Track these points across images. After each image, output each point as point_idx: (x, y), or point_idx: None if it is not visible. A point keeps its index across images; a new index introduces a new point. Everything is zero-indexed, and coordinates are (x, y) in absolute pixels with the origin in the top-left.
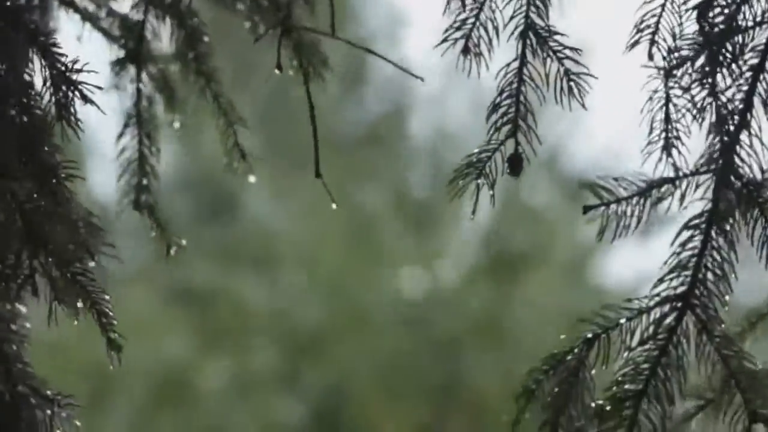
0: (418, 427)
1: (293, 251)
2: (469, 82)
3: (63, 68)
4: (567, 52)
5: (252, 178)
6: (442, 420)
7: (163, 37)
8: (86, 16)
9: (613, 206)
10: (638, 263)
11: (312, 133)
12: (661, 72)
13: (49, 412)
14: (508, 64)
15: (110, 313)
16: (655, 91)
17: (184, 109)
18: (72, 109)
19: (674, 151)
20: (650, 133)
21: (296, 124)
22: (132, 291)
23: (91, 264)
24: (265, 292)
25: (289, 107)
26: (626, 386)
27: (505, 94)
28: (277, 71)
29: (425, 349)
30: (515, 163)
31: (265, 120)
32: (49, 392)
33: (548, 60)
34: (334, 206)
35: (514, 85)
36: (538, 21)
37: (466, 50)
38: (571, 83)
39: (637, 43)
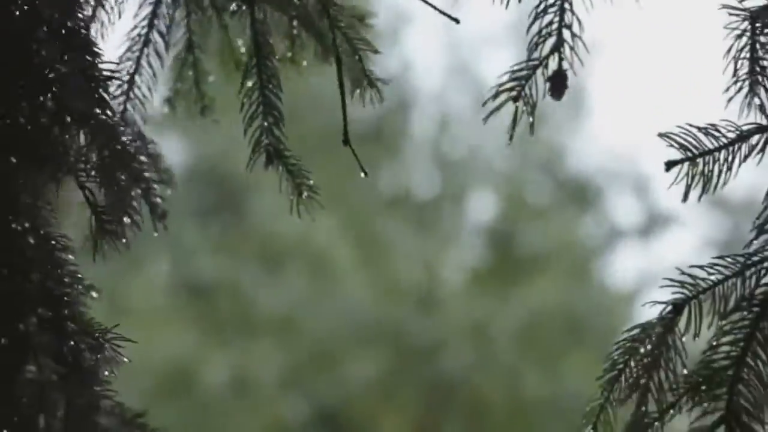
0: (418, 426)
1: (297, 247)
2: (471, 80)
3: None
4: None
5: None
6: (442, 420)
7: None
8: None
9: (698, 160)
10: (640, 263)
11: (341, 101)
12: (748, 12)
13: (95, 349)
14: None
15: None
16: (741, 31)
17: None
18: None
19: (762, 92)
20: (734, 74)
21: (299, 120)
22: (136, 284)
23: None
24: (269, 287)
25: (292, 104)
26: (722, 354)
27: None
28: None
29: (425, 348)
30: (559, 82)
31: None
32: (96, 332)
33: None
34: (363, 175)
35: None
36: None
37: None
38: None
39: None
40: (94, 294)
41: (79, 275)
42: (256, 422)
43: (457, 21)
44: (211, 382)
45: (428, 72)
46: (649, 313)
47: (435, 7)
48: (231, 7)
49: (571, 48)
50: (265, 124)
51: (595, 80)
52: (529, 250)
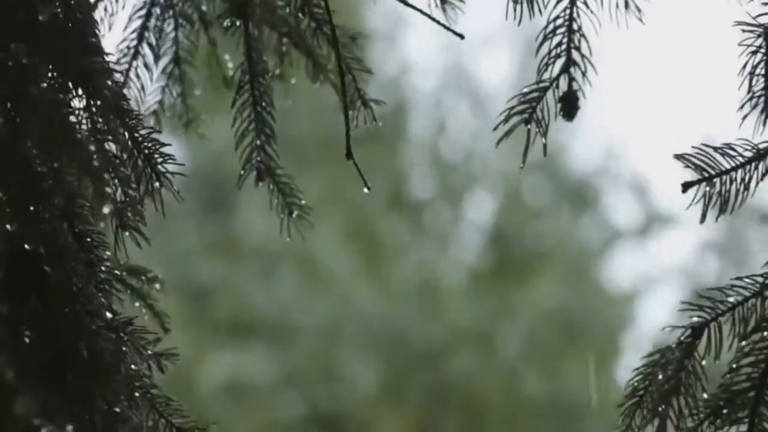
0: (417, 428)
1: (294, 249)
2: (469, 81)
3: None
4: None
5: (380, 123)
6: (441, 421)
7: None
8: None
9: (715, 180)
10: (639, 263)
11: (343, 114)
12: (763, 27)
13: (115, 341)
14: None
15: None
16: (756, 48)
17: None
18: None
19: None
20: (749, 90)
21: (295, 124)
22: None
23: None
24: (266, 289)
25: (288, 107)
26: (743, 377)
27: (558, 21)
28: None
29: (424, 348)
30: (570, 103)
31: None
32: (115, 323)
33: None
34: (366, 190)
35: (568, 11)
36: None
37: None
38: None
39: None
40: (157, 286)
41: (116, 271)
42: (253, 425)
43: (461, 36)
44: (208, 384)
45: (426, 73)
46: (647, 314)
47: (439, 22)
48: (225, 23)
49: (581, 69)
50: (257, 142)
51: (595, 80)
52: (528, 250)
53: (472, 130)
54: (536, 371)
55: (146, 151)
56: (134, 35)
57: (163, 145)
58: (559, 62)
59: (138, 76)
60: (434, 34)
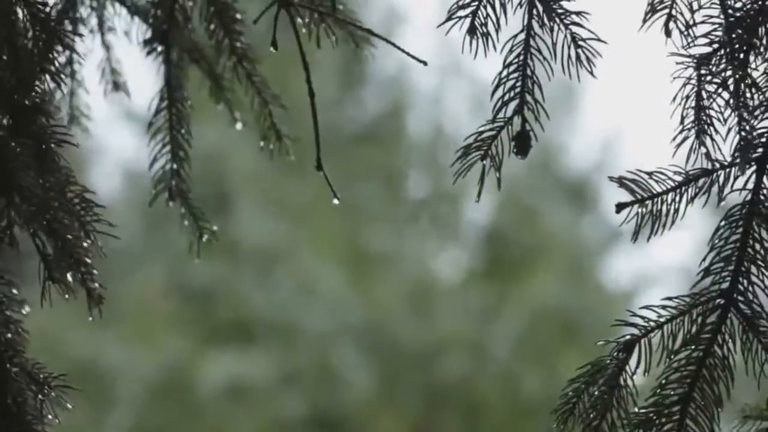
0: (415, 428)
1: (292, 250)
2: (467, 80)
3: (43, 15)
4: (573, 17)
5: (292, 158)
6: (439, 421)
7: (193, 14)
8: None
9: (647, 202)
10: (637, 264)
11: (313, 126)
12: (693, 59)
13: (39, 395)
14: (515, 36)
15: (94, 273)
16: (687, 79)
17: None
18: (56, 62)
19: (707, 140)
20: (682, 122)
21: (293, 124)
22: (131, 288)
23: (87, 242)
24: (265, 290)
25: (289, 104)
26: (671, 391)
27: (512, 67)
28: (272, 49)
29: (423, 348)
30: (523, 142)
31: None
32: (41, 376)
33: (555, 29)
34: (335, 201)
35: (521, 58)
36: None
37: (472, 30)
38: (579, 50)
39: (652, 15)
40: (25, 310)
41: (24, 311)
42: (252, 426)
43: (425, 63)
44: (207, 385)
45: (423, 72)
46: (645, 313)
47: (405, 51)
48: (146, 48)
49: (533, 111)
50: (173, 165)
51: (594, 79)
52: (526, 250)
53: (470, 130)
54: (534, 371)
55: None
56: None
57: (95, 204)
58: (513, 104)
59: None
60: (432, 34)
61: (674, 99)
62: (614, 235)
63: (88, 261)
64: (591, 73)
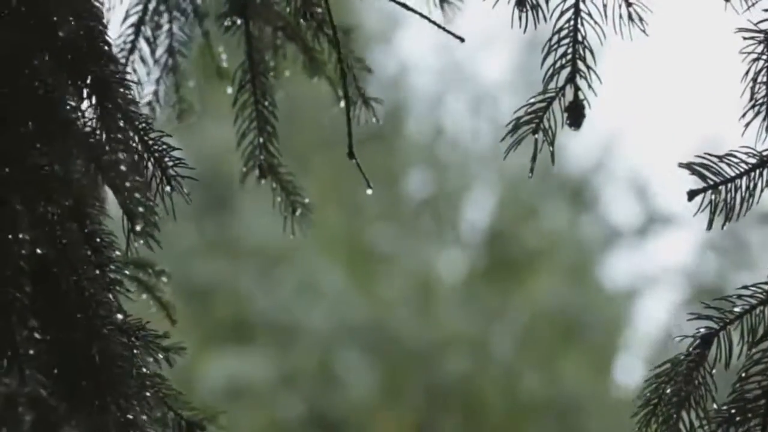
0: (416, 428)
1: (293, 249)
2: (467, 80)
3: None
4: None
5: (380, 122)
6: (440, 421)
7: None
8: None
9: (720, 188)
10: (638, 263)
11: (345, 111)
12: (764, 34)
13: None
14: (564, 1)
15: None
16: (758, 55)
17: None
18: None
19: None
20: (752, 98)
21: (295, 125)
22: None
23: (168, 188)
24: (266, 290)
25: (288, 108)
26: (754, 384)
27: (562, 33)
28: (302, 21)
29: (422, 349)
30: (576, 113)
31: None
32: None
33: None
34: (369, 191)
35: (572, 22)
36: None
37: (521, 2)
38: (630, 8)
39: None
40: (164, 279)
41: (127, 271)
42: (252, 425)
43: (462, 39)
44: (207, 384)
45: (424, 73)
46: (646, 313)
47: (439, 25)
48: (225, 22)
49: (586, 79)
50: (260, 140)
51: (594, 78)
52: (527, 250)
53: (470, 130)
54: (535, 371)
55: (156, 155)
56: (131, 30)
57: (173, 149)
58: (564, 72)
59: (134, 70)
60: (432, 34)
61: (745, 75)
62: (615, 234)
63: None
64: (644, 31)
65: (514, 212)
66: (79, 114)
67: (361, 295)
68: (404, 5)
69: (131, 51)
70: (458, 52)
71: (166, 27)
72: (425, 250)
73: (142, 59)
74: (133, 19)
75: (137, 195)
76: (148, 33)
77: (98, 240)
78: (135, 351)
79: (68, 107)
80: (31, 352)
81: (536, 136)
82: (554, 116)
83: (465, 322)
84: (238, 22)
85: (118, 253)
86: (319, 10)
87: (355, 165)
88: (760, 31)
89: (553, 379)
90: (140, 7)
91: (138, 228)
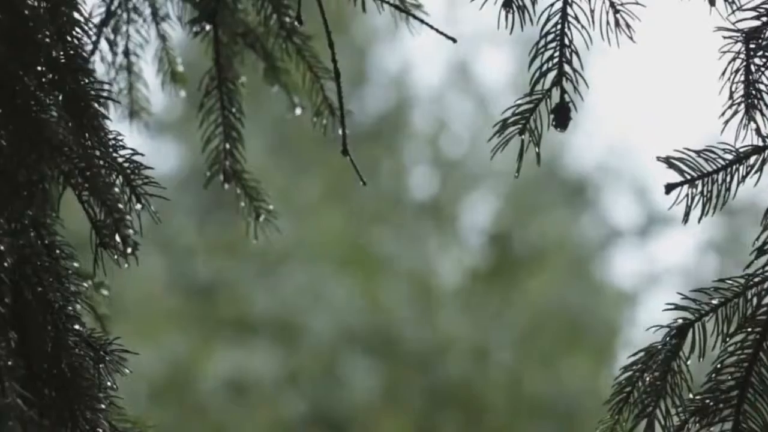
0: (417, 428)
1: (295, 248)
2: (470, 79)
3: None
4: None
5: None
6: (441, 421)
7: None
8: None
9: (697, 182)
10: (639, 263)
11: (339, 108)
12: (741, 33)
13: (97, 362)
14: (552, 4)
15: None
16: (735, 54)
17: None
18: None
19: (758, 116)
20: (730, 96)
21: (298, 124)
22: (133, 284)
23: (138, 206)
24: (267, 288)
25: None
26: (727, 376)
27: (549, 37)
28: (297, 24)
29: (423, 349)
30: (562, 114)
31: (265, 119)
32: (98, 343)
33: None
34: (362, 184)
35: (559, 26)
36: None
37: (508, 3)
38: (617, 15)
39: None
40: (105, 292)
41: (85, 284)
42: (254, 424)
43: (454, 40)
44: (208, 383)
45: (427, 71)
46: (646, 314)
47: (431, 26)
48: (194, 28)
49: (572, 82)
50: (226, 146)
51: (594, 77)
52: (528, 249)
53: (474, 129)
54: (536, 371)
55: (126, 172)
56: (93, 31)
57: (144, 167)
58: (551, 75)
59: (95, 70)
60: (436, 33)
61: (723, 74)
62: (615, 234)
63: (120, 207)
64: (630, 38)
65: (516, 212)
66: (60, 129)
67: (362, 296)
68: (397, 6)
69: (92, 52)
70: (460, 51)
71: (123, 29)
72: (426, 251)
73: (102, 59)
74: (96, 19)
75: (112, 211)
76: (110, 35)
77: (58, 251)
78: (101, 364)
79: (53, 123)
80: (10, 363)
81: (522, 137)
82: (541, 118)
83: (467, 322)
84: (207, 28)
85: (76, 264)
86: (288, 19)
87: (349, 162)
88: (738, 31)
89: (553, 379)
90: (103, 8)
91: (129, 250)
